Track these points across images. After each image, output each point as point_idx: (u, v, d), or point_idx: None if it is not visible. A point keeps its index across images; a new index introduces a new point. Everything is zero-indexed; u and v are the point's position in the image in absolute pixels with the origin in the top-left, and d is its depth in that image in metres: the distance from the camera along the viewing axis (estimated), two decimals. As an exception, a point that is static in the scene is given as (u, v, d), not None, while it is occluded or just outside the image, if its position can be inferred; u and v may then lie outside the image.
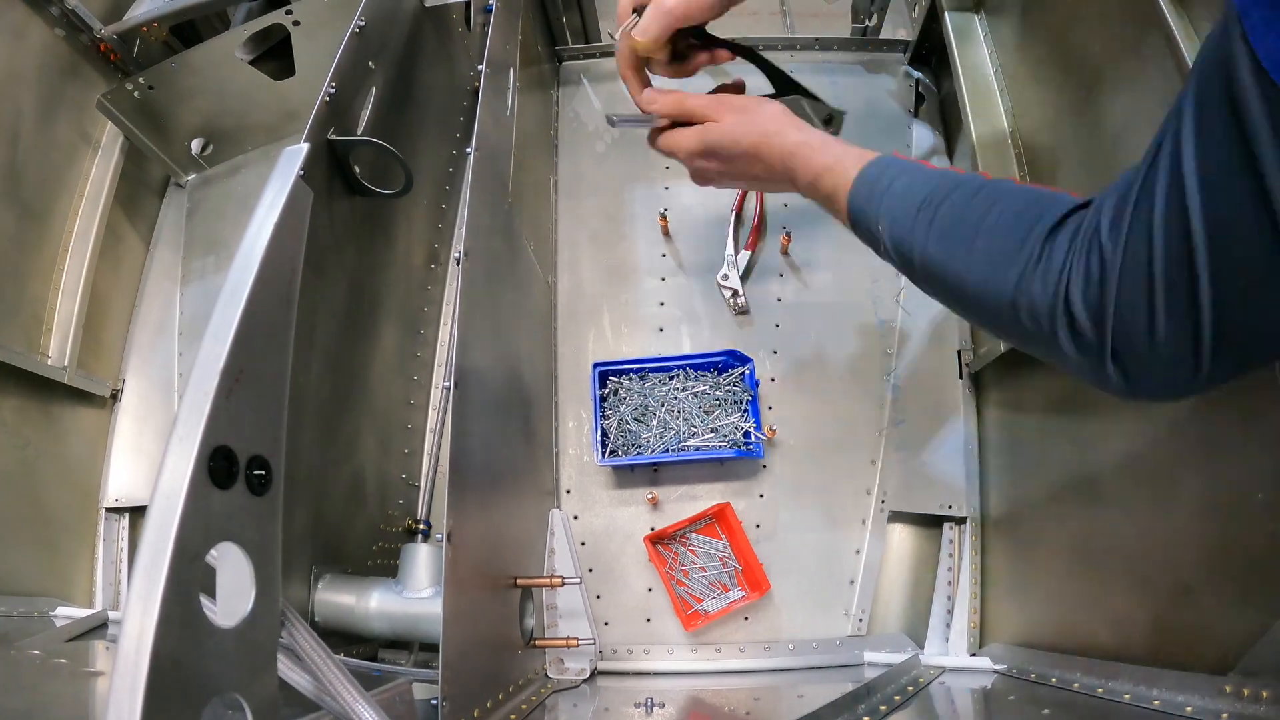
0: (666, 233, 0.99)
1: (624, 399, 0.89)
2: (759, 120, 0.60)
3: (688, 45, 0.65)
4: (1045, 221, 0.43)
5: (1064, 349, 0.41)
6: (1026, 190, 0.47)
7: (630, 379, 0.90)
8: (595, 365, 0.89)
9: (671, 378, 0.90)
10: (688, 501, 0.89)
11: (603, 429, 0.88)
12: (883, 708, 0.61)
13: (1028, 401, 0.80)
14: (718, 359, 0.89)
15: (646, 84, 0.65)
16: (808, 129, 0.59)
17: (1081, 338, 0.40)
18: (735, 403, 0.89)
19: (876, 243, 0.53)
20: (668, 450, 0.86)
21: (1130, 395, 0.41)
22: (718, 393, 0.89)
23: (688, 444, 0.87)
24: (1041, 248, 0.42)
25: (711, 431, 0.87)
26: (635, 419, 0.88)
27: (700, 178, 0.66)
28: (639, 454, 0.87)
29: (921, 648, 0.82)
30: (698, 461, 0.89)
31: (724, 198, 1.01)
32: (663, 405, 0.88)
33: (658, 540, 0.87)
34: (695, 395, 0.89)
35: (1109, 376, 0.40)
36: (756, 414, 0.88)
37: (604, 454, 0.86)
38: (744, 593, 0.85)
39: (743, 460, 0.89)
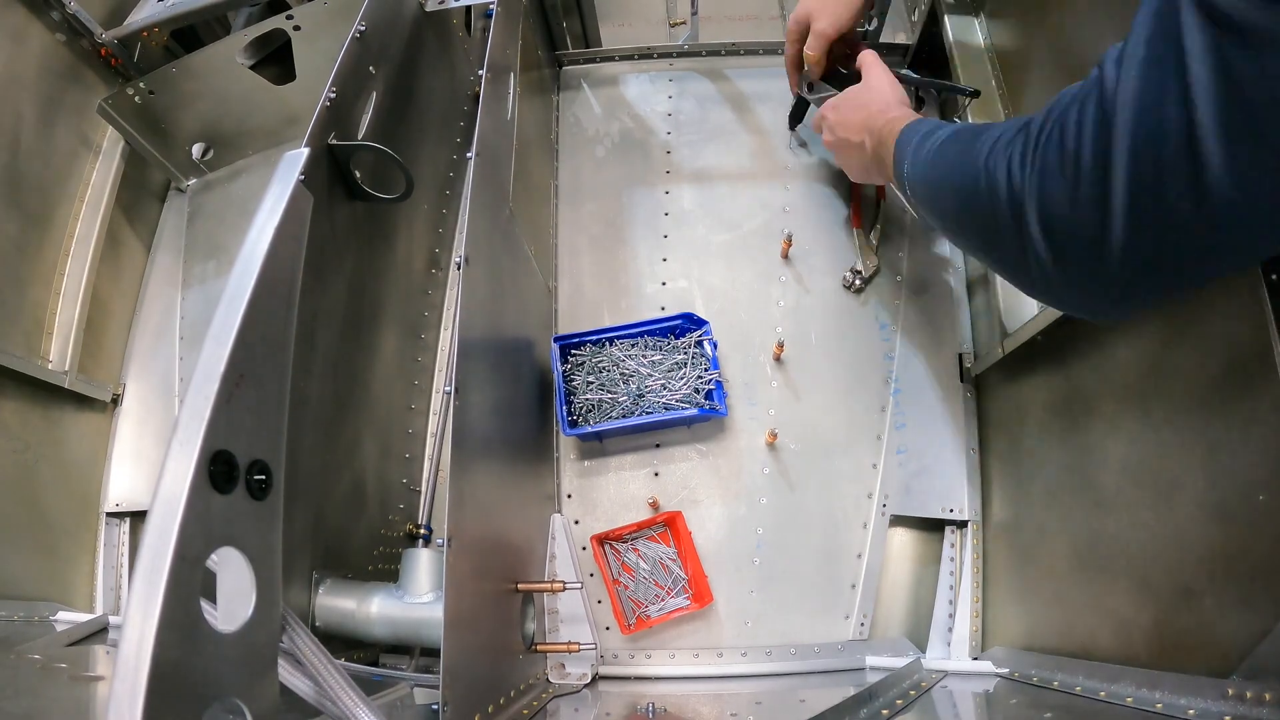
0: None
1: (589, 370, 0.90)
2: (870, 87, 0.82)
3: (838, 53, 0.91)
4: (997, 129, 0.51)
5: (1025, 237, 0.46)
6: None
7: (589, 348, 0.91)
8: (555, 339, 0.89)
9: (633, 345, 0.90)
10: (689, 505, 0.89)
11: (569, 402, 0.87)
12: (885, 712, 0.61)
13: (1029, 404, 0.80)
14: (674, 322, 0.90)
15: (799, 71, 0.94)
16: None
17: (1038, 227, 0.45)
18: (695, 365, 0.89)
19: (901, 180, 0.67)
20: (626, 416, 0.86)
21: (1067, 294, 0.47)
22: (678, 356, 0.89)
23: (653, 401, 0.87)
24: (997, 141, 0.50)
25: (669, 391, 0.87)
26: (601, 388, 0.88)
27: (827, 141, 0.87)
28: (605, 421, 0.87)
29: (924, 652, 0.82)
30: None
31: (718, 202, 1.02)
32: (620, 373, 0.89)
33: (605, 541, 0.87)
34: (654, 361, 0.89)
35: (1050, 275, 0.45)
36: (718, 375, 0.88)
37: (568, 426, 0.86)
38: (688, 601, 0.84)
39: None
